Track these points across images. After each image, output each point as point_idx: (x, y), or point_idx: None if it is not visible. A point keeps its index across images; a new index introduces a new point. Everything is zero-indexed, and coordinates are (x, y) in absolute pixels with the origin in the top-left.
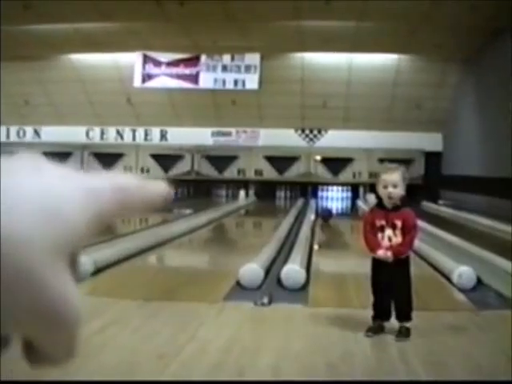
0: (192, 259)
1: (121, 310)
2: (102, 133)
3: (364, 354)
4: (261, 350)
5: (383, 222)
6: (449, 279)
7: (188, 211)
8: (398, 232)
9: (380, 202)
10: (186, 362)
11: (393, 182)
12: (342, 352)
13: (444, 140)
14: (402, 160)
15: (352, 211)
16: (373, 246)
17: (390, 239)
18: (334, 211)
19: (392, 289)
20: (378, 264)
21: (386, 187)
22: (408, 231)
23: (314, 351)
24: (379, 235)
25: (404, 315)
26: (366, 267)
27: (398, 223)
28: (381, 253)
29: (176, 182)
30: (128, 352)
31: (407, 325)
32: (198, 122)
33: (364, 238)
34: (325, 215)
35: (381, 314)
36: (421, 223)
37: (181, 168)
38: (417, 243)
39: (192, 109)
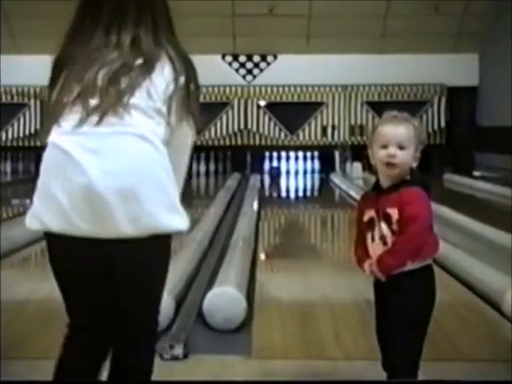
0: (32, 285)
1: None
2: None
3: None
4: None
5: (372, 213)
6: (497, 307)
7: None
8: (396, 227)
9: (377, 182)
10: None
11: (398, 139)
12: None
13: (481, 67)
14: (409, 103)
15: (321, 193)
16: (358, 254)
17: (384, 241)
18: (292, 193)
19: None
20: (378, 287)
21: (385, 146)
22: (404, 225)
23: None
24: (369, 235)
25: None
26: (349, 289)
27: (393, 213)
28: (365, 267)
29: None
30: None
31: None
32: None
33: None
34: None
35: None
36: (444, 211)
37: None
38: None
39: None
